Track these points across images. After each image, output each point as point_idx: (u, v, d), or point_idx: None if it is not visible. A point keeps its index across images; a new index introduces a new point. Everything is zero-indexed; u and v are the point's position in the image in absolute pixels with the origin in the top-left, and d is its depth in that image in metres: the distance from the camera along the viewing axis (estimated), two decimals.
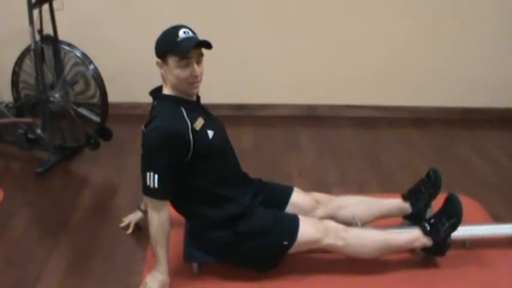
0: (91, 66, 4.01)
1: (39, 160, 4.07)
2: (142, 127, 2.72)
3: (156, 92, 2.77)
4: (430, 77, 5.01)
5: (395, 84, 5.03)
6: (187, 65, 2.58)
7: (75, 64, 4.05)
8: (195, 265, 2.94)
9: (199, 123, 2.70)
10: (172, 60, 2.58)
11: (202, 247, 2.86)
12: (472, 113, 5.15)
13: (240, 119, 4.85)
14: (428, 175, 3.18)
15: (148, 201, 2.72)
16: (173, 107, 2.66)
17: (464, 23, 4.81)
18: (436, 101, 5.13)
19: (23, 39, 3.89)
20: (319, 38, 4.81)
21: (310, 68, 4.92)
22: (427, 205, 3.17)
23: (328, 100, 5.07)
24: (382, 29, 4.81)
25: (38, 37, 3.84)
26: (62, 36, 3.99)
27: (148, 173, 2.61)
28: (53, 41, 3.95)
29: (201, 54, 2.64)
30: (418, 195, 3.15)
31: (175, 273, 2.93)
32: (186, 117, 2.65)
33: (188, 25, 2.67)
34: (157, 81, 2.77)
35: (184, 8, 4.60)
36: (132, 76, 4.68)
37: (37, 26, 3.81)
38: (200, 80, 2.67)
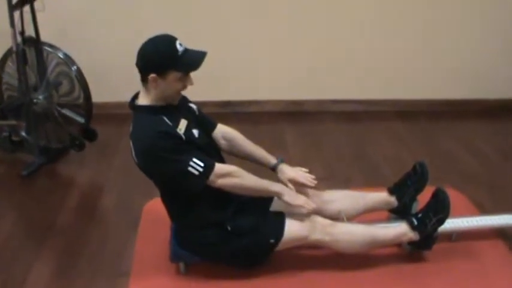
0: (74, 67, 3.99)
1: (24, 163, 4.04)
2: (130, 142, 2.66)
3: (132, 102, 2.72)
4: (414, 69, 5.03)
5: (379, 77, 5.04)
6: (185, 78, 2.58)
7: (58, 65, 4.04)
8: (181, 264, 2.94)
9: (183, 124, 2.68)
10: (173, 75, 2.54)
11: (188, 247, 2.85)
12: (457, 104, 5.16)
13: (225, 116, 4.79)
14: (414, 169, 3.17)
15: (213, 180, 2.62)
16: (152, 117, 2.62)
17: (448, 15, 4.82)
18: (421, 94, 5.14)
19: (5, 41, 3.85)
20: (303, 34, 4.81)
21: (294, 64, 4.92)
22: (413, 199, 3.17)
23: (313, 95, 5.07)
24: (366, 23, 4.82)
25: (19, 39, 3.81)
26: (44, 37, 3.96)
27: (189, 168, 2.56)
28: (35, 42, 3.92)
29: None
30: (404, 189, 3.15)
31: (161, 273, 2.95)
32: (168, 122, 2.62)
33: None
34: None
35: (167, 6, 4.59)
36: (116, 75, 4.65)
37: (18, 27, 3.78)
38: None
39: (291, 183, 2.89)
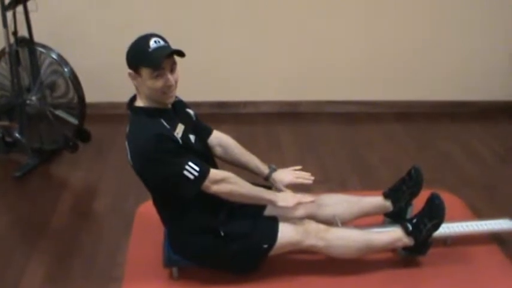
0: (67, 68, 3.97)
1: (17, 164, 4.01)
2: (126, 143, 2.65)
3: (131, 103, 2.70)
4: (411, 71, 5.00)
5: (376, 78, 5.01)
6: (160, 76, 2.52)
7: (51, 66, 4.02)
8: (174, 269, 2.91)
9: (180, 129, 2.66)
10: (145, 72, 2.51)
11: (182, 252, 2.82)
12: (454, 106, 5.14)
13: (220, 116, 4.81)
14: (409, 173, 3.15)
15: (207, 186, 2.59)
16: (149, 119, 2.60)
17: (444, 17, 4.80)
18: (418, 95, 5.11)
19: None
20: (299, 35, 4.78)
21: (290, 65, 4.90)
22: (408, 203, 3.16)
23: (309, 96, 5.05)
24: (362, 24, 4.79)
25: (12, 39, 3.79)
26: (37, 38, 3.93)
27: (184, 171, 2.53)
28: (28, 43, 3.90)
29: (174, 63, 2.57)
30: (399, 194, 3.13)
31: (154, 278, 2.93)
32: (166, 125, 2.60)
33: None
34: None
35: (161, 7, 4.56)
36: (110, 75, 4.61)
37: (11, 28, 3.75)
38: (175, 88, 2.61)
39: (288, 188, 2.88)
